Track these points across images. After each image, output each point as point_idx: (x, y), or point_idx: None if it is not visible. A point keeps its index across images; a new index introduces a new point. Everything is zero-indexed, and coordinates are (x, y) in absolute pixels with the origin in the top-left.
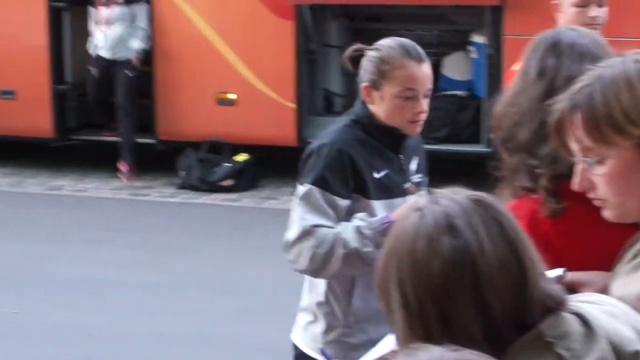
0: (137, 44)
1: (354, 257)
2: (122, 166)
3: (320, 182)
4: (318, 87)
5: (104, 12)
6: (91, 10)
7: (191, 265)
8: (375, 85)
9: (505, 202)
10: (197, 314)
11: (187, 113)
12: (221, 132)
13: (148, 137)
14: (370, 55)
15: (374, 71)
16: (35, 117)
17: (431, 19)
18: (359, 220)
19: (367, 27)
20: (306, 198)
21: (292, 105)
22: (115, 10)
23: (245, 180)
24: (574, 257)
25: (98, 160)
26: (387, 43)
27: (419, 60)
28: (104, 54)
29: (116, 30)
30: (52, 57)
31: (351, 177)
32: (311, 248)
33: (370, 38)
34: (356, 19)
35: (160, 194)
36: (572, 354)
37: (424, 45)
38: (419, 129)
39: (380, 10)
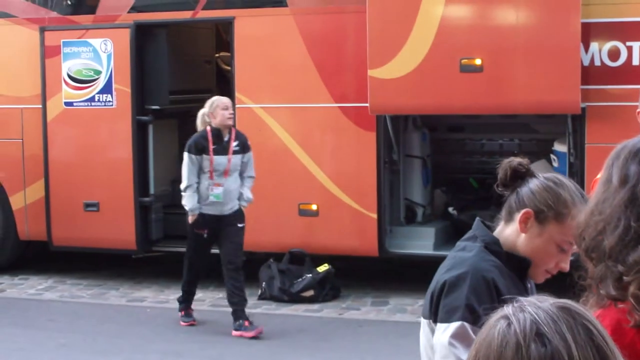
0: (249, 193)
1: None
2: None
3: (471, 317)
4: (399, 197)
5: (222, 161)
6: (202, 160)
7: None
8: (541, 219)
9: (590, 312)
10: None
11: (269, 223)
12: (303, 242)
13: None
14: (548, 186)
15: (549, 206)
16: (119, 229)
17: (513, 128)
18: None
19: (448, 137)
20: (459, 337)
21: (373, 215)
22: (234, 160)
23: (327, 290)
24: None
25: (180, 271)
26: (570, 185)
27: None
28: (215, 210)
29: (234, 182)
30: (137, 169)
31: (498, 307)
32: None
33: (452, 148)
34: (437, 130)
35: None
36: None
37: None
38: (544, 279)
39: (462, 120)
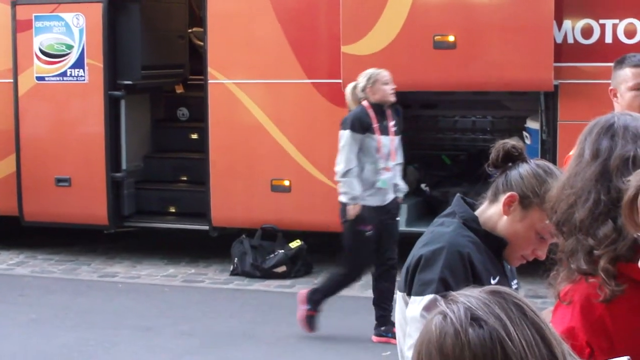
0: (403, 182)
1: None
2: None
3: (445, 291)
4: None
5: (386, 142)
6: (365, 139)
7: (244, 352)
8: (525, 204)
9: (560, 286)
10: None
11: (241, 199)
12: (275, 218)
13: (202, 223)
14: (538, 173)
15: (534, 192)
16: (91, 204)
17: (485, 105)
18: None
19: (421, 113)
20: (431, 309)
21: None
22: (396, 141)
23: (299, 266)
24: (628, 342)
25: (152, 247)
26: (559, 175)
27: None
28: (378, 200)
29: (397, 166)
30: (109, 145)
31: (471, 283)
32: None
33: (425, 125)
34: (411, 106)
35: (214, 280)
36: None
37: (477, 131)
38: (518, 264)
39: (434, 97)
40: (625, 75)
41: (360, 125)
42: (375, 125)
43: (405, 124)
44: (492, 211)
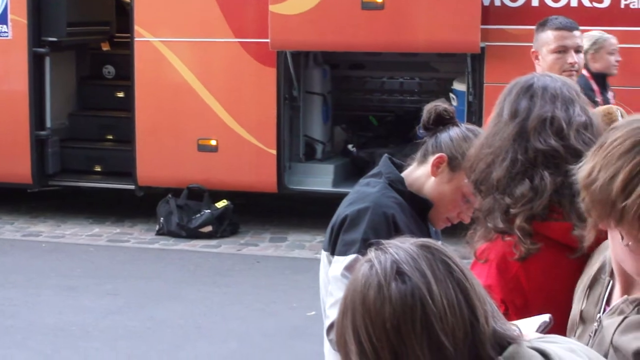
0: None
1: None
2: None
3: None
4: (299, 133)
5: None
6: None
7: (169, 312)
8: (453, 166)
9: (477, 245)
10: None
11: (167, 158)
12: (201, 178)
13: (128, 182)
14: (467, 136)
15: (463, 154)
16: (14, 163)
17: (413, 67)
18: None
19: (349, 74)
20: (353, 269)
21: (272, 151)
22: None
23: (225, 226)
24: (542, 299)
25: (76, 207)
26: None
27: None
28: None
29: None
30: (33, 102)
31: None
32: None
33: (353, 85)
34: (339, 67)
35: (139, 240)
36: None
37: (405, 92)
38: (444, 226)
39: (363, 58)
40: (547, 37)
41: None
42: (601, 99)
43: (334, 84)
44: (420, 172)
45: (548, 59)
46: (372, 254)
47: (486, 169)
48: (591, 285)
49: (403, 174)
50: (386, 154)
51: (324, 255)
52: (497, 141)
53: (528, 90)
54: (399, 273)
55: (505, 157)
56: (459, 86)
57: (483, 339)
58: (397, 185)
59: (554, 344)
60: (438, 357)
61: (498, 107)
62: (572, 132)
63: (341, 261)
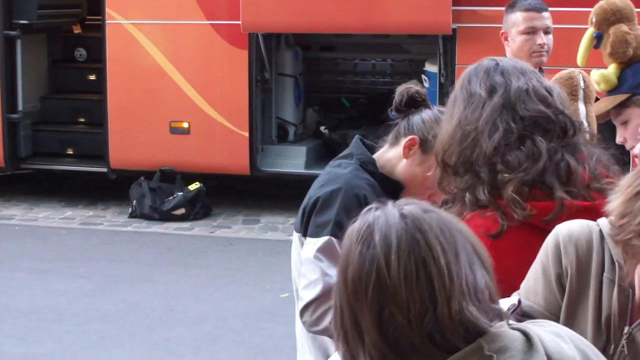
0: None
1: None
2: None
3: (340, 233)
4: (271, 115)
5: None
6: None
7: (142, 294)
8: (425, 148)
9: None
10: (148, 343)
11: (140, 141)
12: (174, 160)
13: (100, 165)
14: (440, 119)
15: (435, 136)
16: None
17: (385, 49)
18: None
19: (321, 56)
20: (325, 251)
21: (245, 133)
22: None
23: (198, 209)
24: (511, 278)
25: (49, 190)
26: None
27: None
28: None
29: None
30: (4, 85)
31: None
32: None
33: (325, 67)
34: (310, 49)
35: (112, 223)
36: None
37: (377, 74)
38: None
39: (334, 40)
40: (516, 18)
41: None
42: None
43: (305, 66)
44: (391, 154)
45: (517, 40)
46: (368, 212)
47: (469, 146)
48: (597, 287)
49: (374, 156)
50: (358, 135)
51: (295, 236)
52: (478, 117)
53: (497, 68)
54: (367, 238)
55: (494, 128)
56: (431, 67)
57: (441, 321)
58: (369, 166)
59: (540, 327)
60: (386, 327)
61: (463, 90)
62: (556, 98)
63: (313, 243)
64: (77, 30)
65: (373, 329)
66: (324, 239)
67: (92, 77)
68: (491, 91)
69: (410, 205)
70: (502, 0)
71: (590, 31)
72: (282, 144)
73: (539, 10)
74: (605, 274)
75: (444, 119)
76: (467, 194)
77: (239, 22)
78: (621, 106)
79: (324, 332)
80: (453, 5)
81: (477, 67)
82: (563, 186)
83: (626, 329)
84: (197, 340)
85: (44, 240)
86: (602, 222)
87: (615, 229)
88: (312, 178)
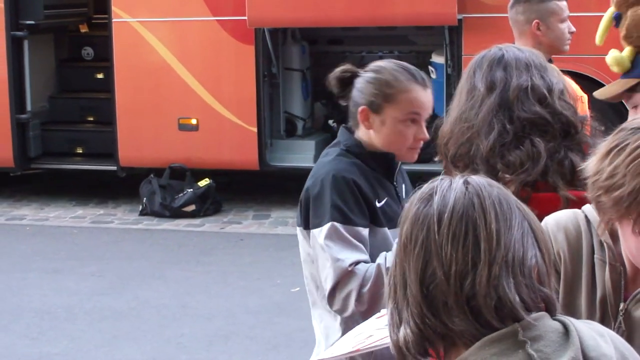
0: None
1: None
2: None
3: (339, 216)
4: (279, 110)
5: None
6: None
7: (154, 291)
8: (375, 108)
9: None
10: (161, 340)
11: (149, 138)
12: (183, 157)
13: (110, 164)
14: (370, 77)
15: (376, 94)
16: None
17: (391, 41)
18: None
19: (328, 50)
20: (331, 237)
21: (253, 129)
22: None
23: (208, 205)
24: None
25: (59, 189)
26: (389, 65)
27: (424, 85)
28: None
29: None
30: (13, 86)
31: (363, 205)
32: (356, 289)
33: (332, 61)
34: (317, 43)
35: (123, 221)
36: (541, 357)
37: None
38: (416, 155)
39: (341, 33)
40: (553, 7)
41: None
42: None
43: (312, 60)
44: (361, 134)
45: (558, 28)
46: (435, 179)
47: (466, 143)
48: (589, 267)
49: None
50: (343, 124)
51: (298, 231)
52: (476, 114)
53: (500, 62)
54: (427, 198)
55: (490, 129)
56: (438, 59)
57: (479, 283)
58: (355, 149)
59: (584, 323)
60: (432, 284)
61: (468, 82)
62: (555, 98)
63: (318, 233)
64: (83, 29)
65: (415, 284)
66: (326, 226)
67: (100, 76)
68: (490, 88)
69: (476, 177)
70: None
71: (610, 11)
72: (291, 138)
73: None
74: (595, 255)
75: (452, 105)
76: None
77: (245, 18)
78: (631, 91)
79: (354, 316)
80: None
81: (482, 58)
82: (567, 185)
83: (621, 305)
84: (210, 336)
85: (55, 240)
86: (586, 207)
87: (588, 188)
88: None
